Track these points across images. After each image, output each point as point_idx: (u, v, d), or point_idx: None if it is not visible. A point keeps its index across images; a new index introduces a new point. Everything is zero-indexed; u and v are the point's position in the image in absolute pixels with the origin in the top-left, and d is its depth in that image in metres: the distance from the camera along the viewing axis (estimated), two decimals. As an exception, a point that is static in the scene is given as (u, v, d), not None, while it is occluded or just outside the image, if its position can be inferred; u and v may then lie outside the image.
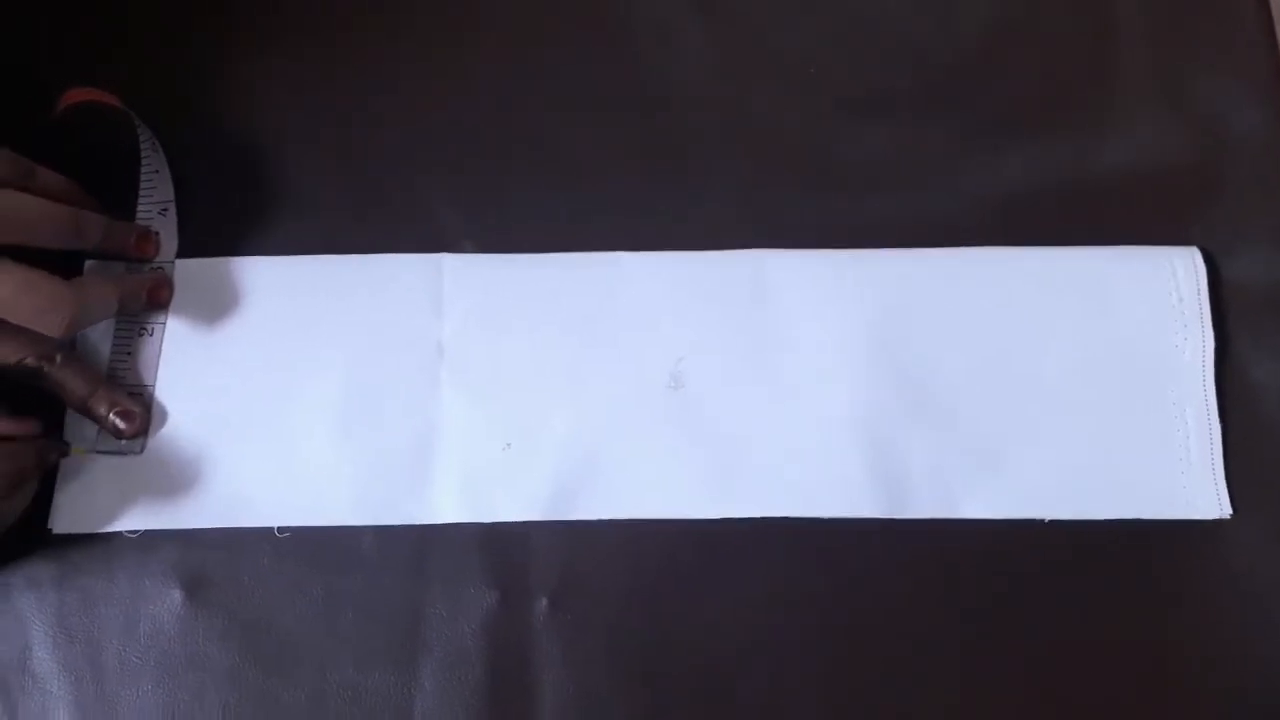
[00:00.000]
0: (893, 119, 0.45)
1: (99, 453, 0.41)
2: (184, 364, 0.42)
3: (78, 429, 0.41)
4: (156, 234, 0.43)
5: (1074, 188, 0.44)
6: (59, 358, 0.38)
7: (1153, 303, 0.42)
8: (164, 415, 0.42)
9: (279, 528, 0.40)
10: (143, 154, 0.43)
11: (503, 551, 0.40)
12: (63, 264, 0.40)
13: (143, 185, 0.43)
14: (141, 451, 0.41)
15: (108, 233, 0.41)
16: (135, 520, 0.40)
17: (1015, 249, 0.43)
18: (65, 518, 0.40)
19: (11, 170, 0.39)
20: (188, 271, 0.43)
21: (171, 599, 0.40)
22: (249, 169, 0.44)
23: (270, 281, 0.43)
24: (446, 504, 0.41)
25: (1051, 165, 0.45)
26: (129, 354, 0.42)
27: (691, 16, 0.47)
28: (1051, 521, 0.40)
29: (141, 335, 0.42)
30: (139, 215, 0.43)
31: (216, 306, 0.43)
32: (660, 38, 0.47)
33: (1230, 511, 0.40)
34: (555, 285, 0.43)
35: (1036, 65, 0.46)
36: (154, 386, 0.42)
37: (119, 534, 0.40)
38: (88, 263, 0.42)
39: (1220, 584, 0.40)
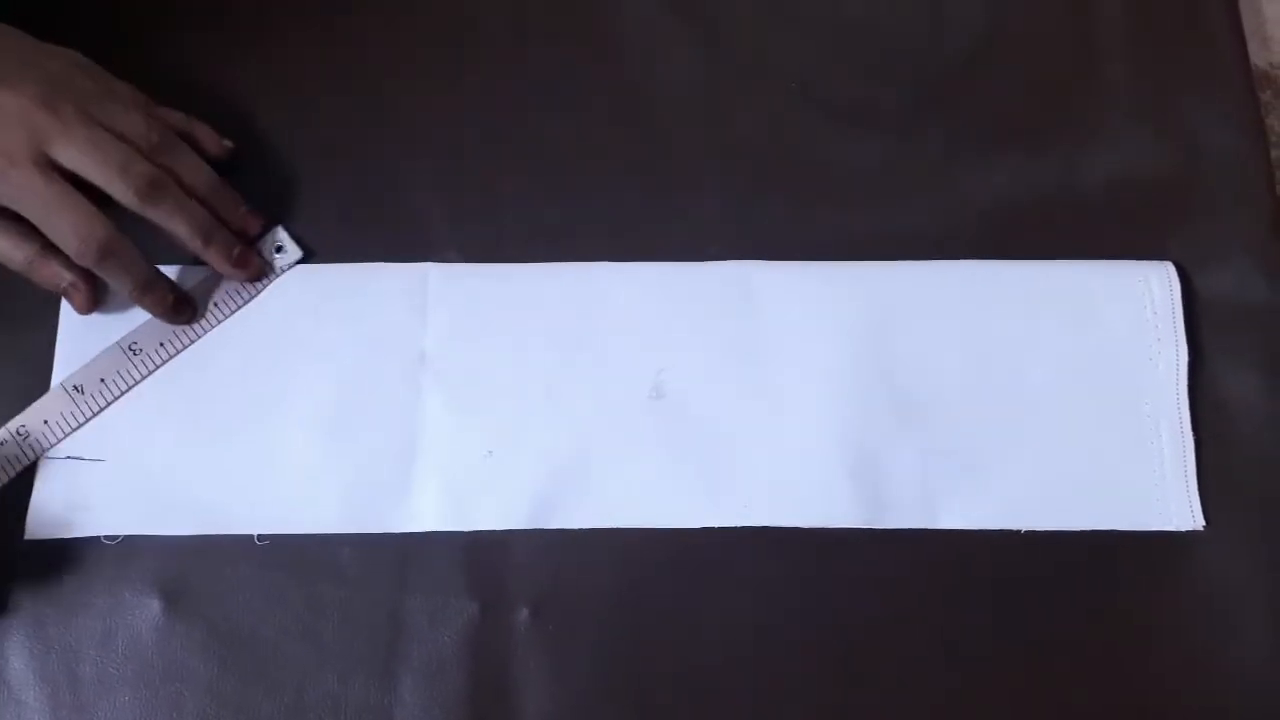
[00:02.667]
0: (877, 132, 0.46)
1: (71, 459, 0.41)
2: (165, 369, 0.42)
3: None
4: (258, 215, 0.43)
5: (1053, 202, 0.45)
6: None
7: (1127, 316, 0.43)
8: (143, 420, 0.41)
9: (258, 535, 0.40)
10: None
11: (484, 561, 0.40)
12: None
13: None
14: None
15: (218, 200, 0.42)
16: (113, 526, 0.40)
17: (994, 262, 0.44)
18: (41, 524, 0.40)
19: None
20: (171, 278, 0.43)
21: (150, 608, 0.40)
22: (232, 176, 0.43)
23: (254, 288, 0.43)
24: (427, 512, 0.41)
25: (1031, 180, 0.45)
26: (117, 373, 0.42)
27: (679, 28, 0.47)
28: (1028, 532, 0.41)
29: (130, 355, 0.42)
30: None
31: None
32: (648, 49, 0.47)
33: (1203, 523, 0.41)
34: (539, 294, 0.43)
35: (1018, 82, 0.47)
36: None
37: (97, 542, 0.40)
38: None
39: (1193, 594, 0.40)
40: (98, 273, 0.40)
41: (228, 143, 0.44)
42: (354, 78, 0.46)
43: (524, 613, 0.40)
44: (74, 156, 0.38)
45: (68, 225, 0.38)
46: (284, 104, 0.46)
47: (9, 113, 0.38)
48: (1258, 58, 0.49)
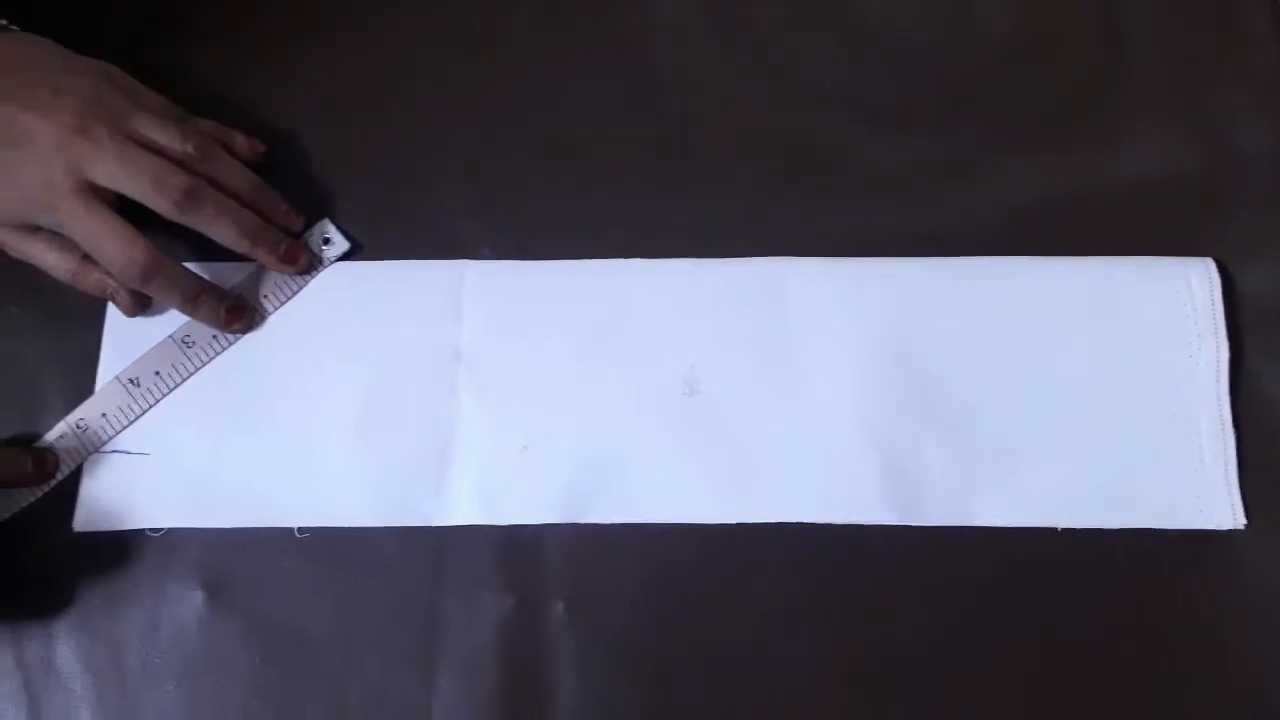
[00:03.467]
0: (909, 130, 0.46)
1: (117, 453, 0.42)
2: (206, 365, 0.43)
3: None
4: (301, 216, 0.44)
5: (1088, 198, 0.44)
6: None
7: (1167, 313, 0.42)
8: (186, 415, 0.42)
9: (299, 528, 0.41)
10: None
11: (519, 555, 0.41)
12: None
13: None
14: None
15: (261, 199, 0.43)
16: (157, 518, 0.41)
17: (1030, 259, 0.43)
18: (87, 516, 0.41)
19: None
20: (212, 276, 0.43)
21: (193, 600, 0.40)
22: (269, 176, 0.44)
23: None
24: (463, 506, 0.41)
25: (1065, 176, 0.45)
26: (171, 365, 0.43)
27: (708, 28, 0.48)
28: (1065, 530, 0.40)
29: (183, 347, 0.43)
30: None
31: (240, 310, 0.43)
32: (676, 49, 0.47)
33: (1244, 522, 0.40)
34: (573, 291, 0.43)
35: (1050, 78, 0.46)
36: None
37: (142, 534, 0.41)
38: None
39: (1234, 594, 0.40)
40: (144, 292, 0.41)
41: (261, 146, 0.45)
42: (386, 81, 0.47)
43: (559, 606, 0.40)
44: (110, 176, 0.39)
45: (110, 251, 0.39)
46: (317, 108, 0.46)
47: (47, 141, 0.39)
48: (1295, 51, 0.49)
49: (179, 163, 0.40)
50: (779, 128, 0.46)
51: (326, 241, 0.44)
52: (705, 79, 0.47)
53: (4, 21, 0.42)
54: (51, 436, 0.41)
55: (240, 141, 0.44)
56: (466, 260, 0.44)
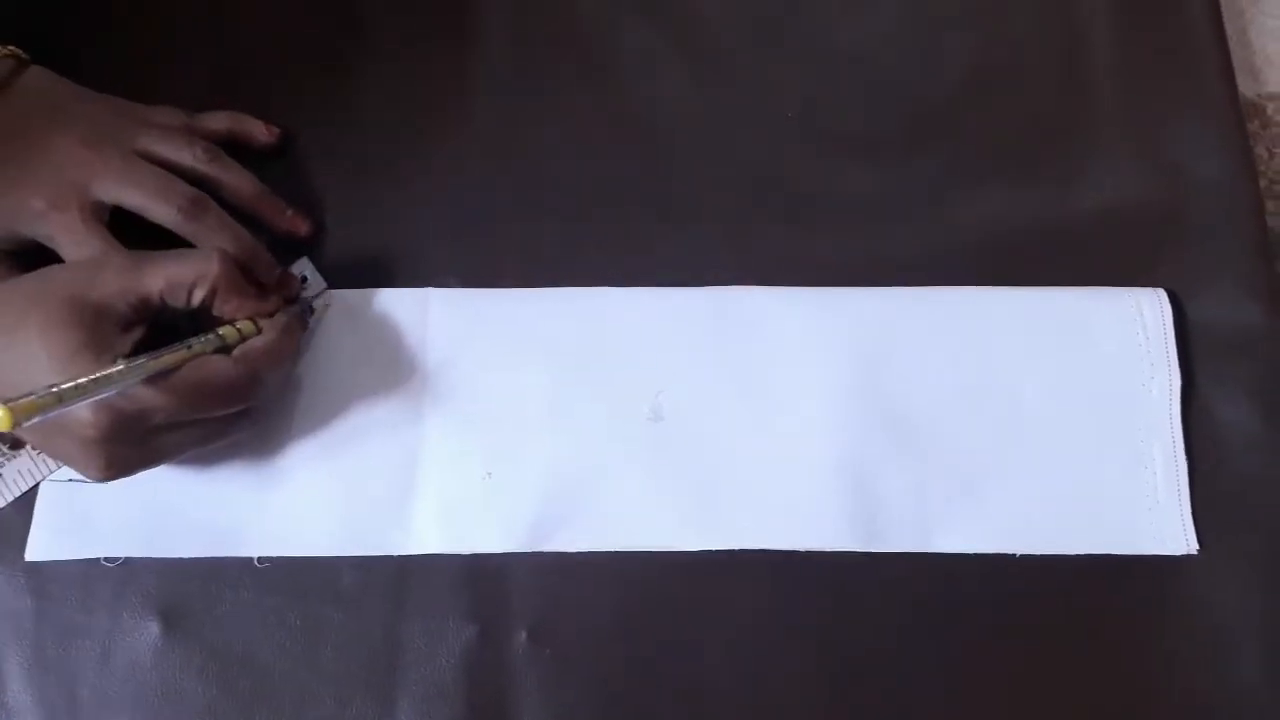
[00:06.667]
0: (873, 160, 0.46)
1: (72, 481, 0.41)
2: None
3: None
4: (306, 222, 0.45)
5: (1046, 229, 0.45)
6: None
7: (1121, 342, 0.43)
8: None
9: (258, 558, 0.40)
10: None
11: (482, 584, 0.40)
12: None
13: None
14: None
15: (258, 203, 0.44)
16: (113, 548, 0.40)
17: (989, 289, 0.44)
18: (41, 545, 0.40)
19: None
20: None
21: (149, 631, 0.40)
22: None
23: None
24: (426, 534, 0.41)
25: (1025, 207, 0.46)
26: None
27: (678, 55, 0.48)
28: (1023, 556, 0.41)
29: None
30: None
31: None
32: (647, 77, 0.48)
33: (1196, 548, 0.41)
34: (538, 319, 0.43)
35: (1011, 112, 0.47)
36: None
37: (97, 564, 0.40)
38: None
39: (1187, 618, 0.40)
40: None
41: (275, 129, 0.45)
42: (354, 106, 0.47)
43: (522, 635, 0.40)
44: (115, 190, 0.40)
45: None
46: (285, 133, 0.46)
47: (58, 155, 0.40)
48: (1246, 88, 0.50)
49: (186, 174, 0.42)
50: (748, 158, 0.47)
51: (304, 280, 0.44)
52: (678, 109, 0.47)
53: (17, 50, 0.42)
54: (5, 462, 0.41)
55: (255, 126, 0.45)
56: (430, 288, 0.44)
